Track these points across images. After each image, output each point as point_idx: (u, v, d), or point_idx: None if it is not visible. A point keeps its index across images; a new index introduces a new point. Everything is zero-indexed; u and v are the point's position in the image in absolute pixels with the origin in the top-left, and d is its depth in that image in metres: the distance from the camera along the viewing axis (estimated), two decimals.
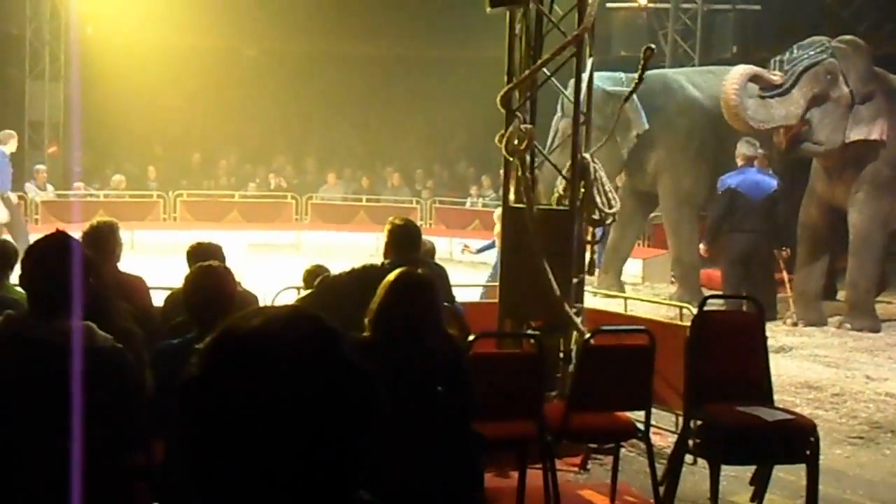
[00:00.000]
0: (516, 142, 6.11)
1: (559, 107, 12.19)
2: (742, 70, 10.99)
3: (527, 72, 6.28)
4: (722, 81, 11.24)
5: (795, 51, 11.24)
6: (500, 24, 6.50)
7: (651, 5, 19.22)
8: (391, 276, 3.83)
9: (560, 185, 6.63)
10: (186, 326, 4.18)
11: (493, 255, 9.42)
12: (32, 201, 16.94)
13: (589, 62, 6.49)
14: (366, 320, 3.77)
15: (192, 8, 18.89)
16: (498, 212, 8.99)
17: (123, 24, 19.52)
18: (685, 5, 18.71)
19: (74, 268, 3.02)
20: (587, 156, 6.44)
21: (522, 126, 6.13)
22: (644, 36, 17.93)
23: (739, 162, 10.81)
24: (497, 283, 8.61)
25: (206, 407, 1.21)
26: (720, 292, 10.50)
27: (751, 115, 10.90)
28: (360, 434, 1.24)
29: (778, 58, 11.35)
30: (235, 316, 1.29)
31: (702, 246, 10.92)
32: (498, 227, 8.97)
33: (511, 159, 6.26)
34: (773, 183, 10.91)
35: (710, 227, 10.63)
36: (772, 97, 10.99)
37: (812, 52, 11.12)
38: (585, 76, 6.43)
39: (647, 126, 12.56)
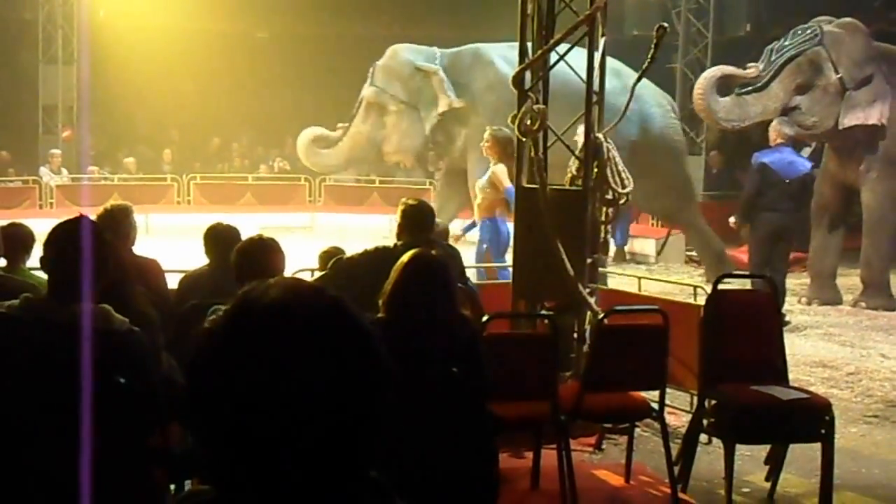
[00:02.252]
0: (529, 122, 6.10)
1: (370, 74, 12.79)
2: (708, 73, 11.13)
3: (539, 52, 6.26)
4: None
5: (788, 39, 11.19)
6: (515, 5, 6.48)
7: None
8: (405, 258, 3.84)
9: (573, 165, 6.62)
10: (201, 308, 4.20)
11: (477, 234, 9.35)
12: (47, 185, 16.99)
13: (601, 42, 6.47)
14: (380, 302, 3.78)
15: None
16: (480, 182, 8.97)
17: (135, 7, 19.56)
18: None
19: (93, 251, 3.03)
20: (600, 136, 6.42)
21: (535, 106, 6.12)
22: (657, 15, 17.83)
23: (775, 139, 10.63)
24: (483, 264, 8.68)
25: (222, 374, 1.20)
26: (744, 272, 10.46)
27: (723, 117, 10.99)
28: (374, 410, 1.24)
29: (770, 46, 11.30)
30: (252, 285, 1.28)
31: (732, 219, 10.75)
32: (478, 200, 8.96)
33: (524, 139, 6.25)
34: (808, 165, 10.75)
35: (744, 203, 10.47)
36: (748, 93, 10.98)
37: (798, 42, 11.07)
38: (598, 56, 6.40)
39: (456, 103, 12.52)
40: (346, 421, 1.21)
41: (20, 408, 2.97)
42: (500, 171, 8.60)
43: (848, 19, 11.41)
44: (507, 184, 8.40)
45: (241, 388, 1.19)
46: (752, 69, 11.02)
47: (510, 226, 9.02)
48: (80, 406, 2.80)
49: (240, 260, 4.27)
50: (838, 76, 10.85)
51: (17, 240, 5.32)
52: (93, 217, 5.05)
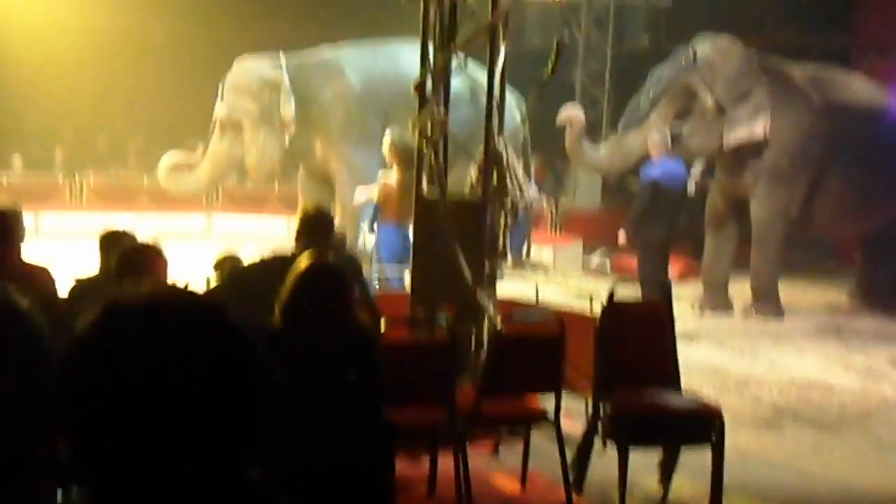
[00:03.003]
0: (429, 129, 6.12)
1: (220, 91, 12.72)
2: (572, 130, 11.31)
3: (440, 58, 6.29)
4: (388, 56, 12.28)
5: (665, 66, 11.47)
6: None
7: None
8: (300, 265, 3.81)
9: (473, 171, 6.66)
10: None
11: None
12: None
13: (502, 49, 6.52)
14: (276, 309, 3.75)
15: None
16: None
17: (29, 2, 19.03)
18: None
19: None
20: (500, 144, 6.48)
21: (435, 114, 6.14)
22: (558, 27, 18.06)
23: (657, 153, 10.87)
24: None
25: (89, 376, 1.20)
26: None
27: (606, 166, 11.62)
28: (246, 406, 1.24)
29: (650, 75, 11.59)
30: (119, 292, 1.28)
31: (622, 233, 11.00)
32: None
33: (424, 147, 6.27)
34: (685, 171, 11.09)
35: (633, 219, 10.71)
36: (628, 130, 11.27)
37: (673, 69, 11.36)
38: (499, 64, 6.46)
39: (290, 115, 12.50)
40: (216, 423, 1.20)
41: None
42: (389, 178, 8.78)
43: (724, 36, 11.69)
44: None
45: (110, 389, 1.18)
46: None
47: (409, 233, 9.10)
48: None
49: (120, 266, 4.18)
50: (714, 98, 11.11)
51: None
52: None
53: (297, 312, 3.72)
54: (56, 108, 20.75)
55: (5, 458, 2.95)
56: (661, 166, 10.78)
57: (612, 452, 5.65)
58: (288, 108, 12.40)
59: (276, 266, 4.68)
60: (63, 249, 9.78)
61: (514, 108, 11.95)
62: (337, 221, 8.79)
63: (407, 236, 8.98)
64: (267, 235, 15.18)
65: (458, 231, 6.11)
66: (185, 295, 1.30)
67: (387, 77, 12.34)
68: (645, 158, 11.05)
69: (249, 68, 12.77)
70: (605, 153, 11.26)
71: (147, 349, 1.19)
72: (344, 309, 3.81)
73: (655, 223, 10.53)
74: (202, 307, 1.27)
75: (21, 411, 3.08)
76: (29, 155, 19.22)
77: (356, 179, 11.41)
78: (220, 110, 12.78)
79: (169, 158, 13.30)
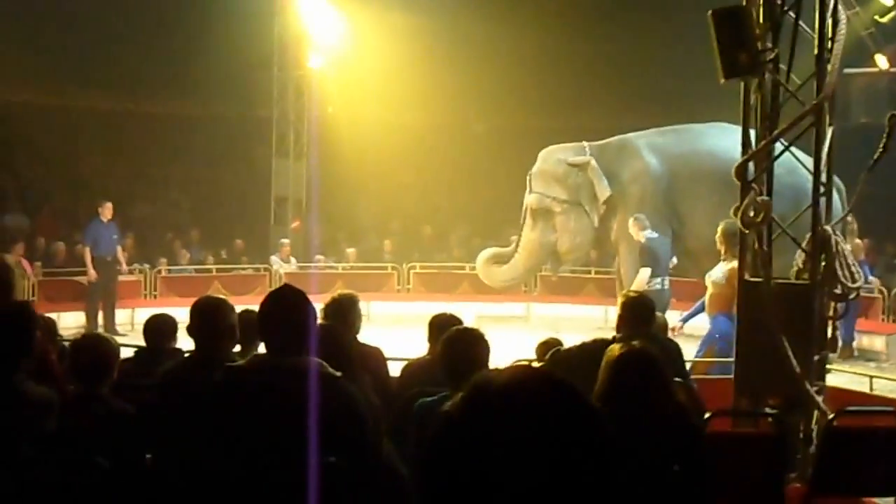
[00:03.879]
0: (752, 214, 5.98)
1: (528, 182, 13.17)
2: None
3: (762, 143, 6.14)
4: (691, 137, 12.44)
5: None
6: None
7: (893, 69, 18.38)
8: (613, 351, 3.81)
9: (799, 258, 6.41)
10: (420, 396, 4.31)
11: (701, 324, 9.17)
12: (277, 273, 17.82)
13: (829, 131, 6.28)
14: (594, 394, 3.75)
15: (422, 87, 19.60)
16: (714, 275, 8.75)
17: (360, 102, 20.47)
18: None
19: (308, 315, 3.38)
20: (828, 228, 6.20)
21: (759, 198, 5.99)
22: (885, 101, 17.17)
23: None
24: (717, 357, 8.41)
25: (458, 447, 1.26)
26: None
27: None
28: (608, 488, 1.25)
29: None
30: (482, 373, 1.36)
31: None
32: (709, 292, 8.73)
33: (747, 231, 6.11)
34: None
35: None
36: None
37: None
38: (826, 146, 6.22)
39: (607, 192, 12.57)
40: (581, 499, 1.22)
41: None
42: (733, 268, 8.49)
43: None
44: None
45: (479, 466, 1.23)
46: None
47: None
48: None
49: (445, 350, 4.34)
50: None
51: (252, 326, 5.58)
52: (320, 304, 5.30)
53: (613, 398, 3.69)
54: (385, 202, 22.06)
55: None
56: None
57: None
58: (601, 187, 12.62)
59: (597, 351, 4.69)
60: (392, 335, 10.28)
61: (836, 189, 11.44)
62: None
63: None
64: (583, 322, 15.24)
65: (785, 318, 5.88)
66: (541, 374, 1.35)
67: (684, 157, 12.38)
68: None
69: (554, 155, 13.17)
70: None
71: (513, 426, 1.25)
72: (661, 396, 3.75)
73: None
74: (560, 386, 1.31)
75: (353, 487, 3.26)
76: (359, 246, 20.49)
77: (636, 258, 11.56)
78: (530, 199, 13.24)
79: (485, 253, 13.86)
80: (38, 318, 4.54)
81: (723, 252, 8.67)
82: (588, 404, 1.30)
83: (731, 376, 6.37)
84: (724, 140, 11.44)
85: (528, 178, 13.40)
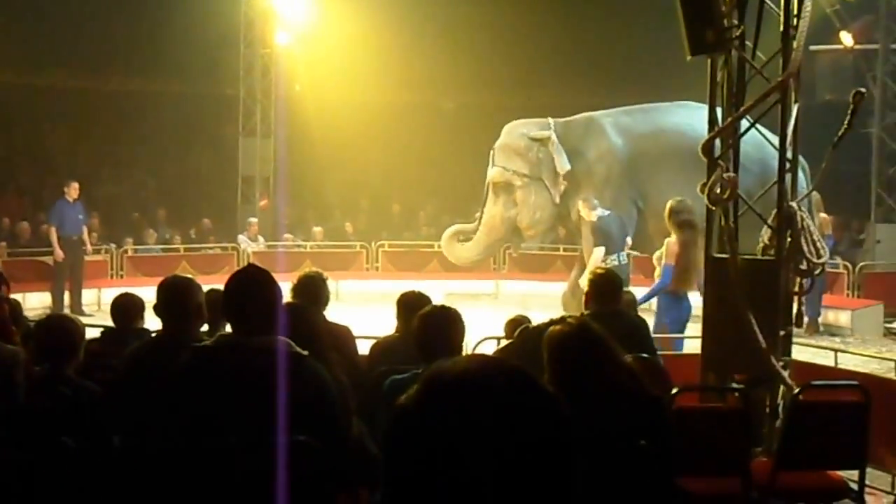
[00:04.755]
0: (718, 190, 6.00)
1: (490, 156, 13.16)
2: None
3: (728, 119, 6.17)
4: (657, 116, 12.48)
5: None
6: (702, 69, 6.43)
7: (858, 46, 18.51)
8: (550, 334, 3.81)
9: (765, 234, 6.45)
10: (390, 374, 4.31)
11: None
12: (245, 252, 17.75)
13: (794, 108, 6.32)
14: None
15: (391, 65, 19.53)
16: (659, 252, 8.91)
17: (328, 80, 20.35)
18: None
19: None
20: (794, 204, 6.25)
21: (725, 175, 6.01)
22: (851, 79, 17.28)
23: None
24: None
25: (416, 439, 1.26)
26: None
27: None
28: (567, 473, 1.26)
29: None
30: (441, 361, 1.36)
31: None
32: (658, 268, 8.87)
33: (713, 208, 6.15)
34: None
35: None
36: None
37: None
38: (791, 123, 6.25)
39: (566, 167, 12.56)
40: (539, 486, 1.22)
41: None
42: (671, 242, 8.68)
43: None
44: (670, 261, 8.48)
45: (436, 457, 1.22)
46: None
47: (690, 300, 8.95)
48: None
49: (421, 328, 4.34)
50: None
51: (220, 305, 5.56)
52: (288, 283, 5.29)
53: (561, 381, 3.67)
54: (352, 181, 22.00)
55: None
56: None
57: None
58: (561, 161, 12.60)
59: None
60: (361, 313, 10.28)
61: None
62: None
63: (687, 305, 8.89)
64: (552, 299, 15.30)
65: (751, 294, 5.92)
66: (497, 363, 1.35)
67: (650, 136, 12.42)
68: None
69: (518, 129, 13.16)
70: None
71: (469, 416, 1.25)
72: (610, 369, 3.74)
73: None
74: (516, 374, 1.31)
75: (323, 466, 3.26)
76: (328, 225, 20.43)
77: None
78: (492, 173, 13.22)
79: (450, 230, 13.85)
80: None
81: (670, 231, 8.84)
82: (542, 390, 1.31)
83: (699, 352, 6.41)
84: (691, 118, 11.48)
85: (490, 152, 13.38)
